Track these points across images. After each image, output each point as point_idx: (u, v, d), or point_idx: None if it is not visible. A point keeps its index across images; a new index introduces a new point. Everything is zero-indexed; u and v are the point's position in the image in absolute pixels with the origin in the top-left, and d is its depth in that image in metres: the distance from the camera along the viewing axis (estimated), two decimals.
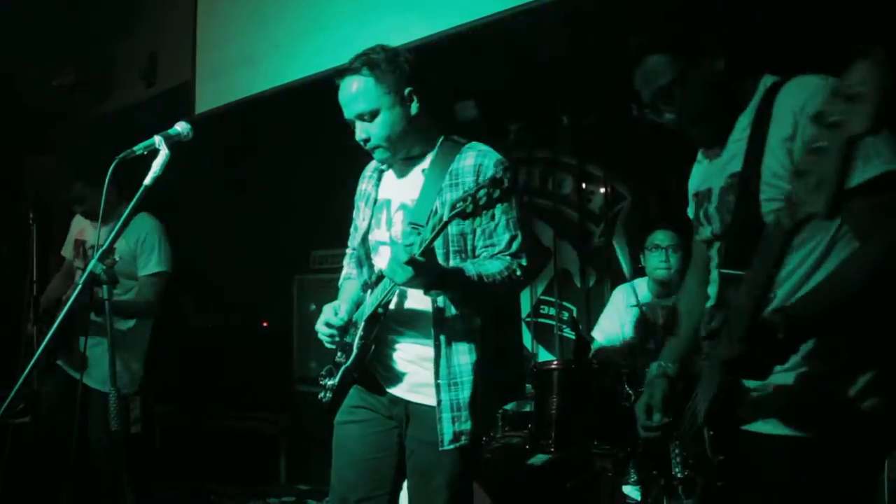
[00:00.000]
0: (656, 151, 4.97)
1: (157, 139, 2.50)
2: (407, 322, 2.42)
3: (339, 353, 2.54)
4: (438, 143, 2.46)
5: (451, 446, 2.30)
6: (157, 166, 2.50)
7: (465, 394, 2.31)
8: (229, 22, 5.04)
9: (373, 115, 2.36)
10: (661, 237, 4.00)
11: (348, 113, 2.40)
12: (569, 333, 5.42)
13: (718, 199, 1.90)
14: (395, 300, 2.41)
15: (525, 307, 5.69)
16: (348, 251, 2.76)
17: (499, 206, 2.07)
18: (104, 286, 2.49)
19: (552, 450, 3.28)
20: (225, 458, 5.33)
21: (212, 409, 5.36)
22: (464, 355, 2.33)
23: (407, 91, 2.38)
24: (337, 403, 2.54)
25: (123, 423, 3.68)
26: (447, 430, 2.30)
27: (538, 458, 3.47)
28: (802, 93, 1.71)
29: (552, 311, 5.56)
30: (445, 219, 2.01)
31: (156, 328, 4.09)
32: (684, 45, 1.85)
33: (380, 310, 2.37)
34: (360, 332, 2.41)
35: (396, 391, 2.43)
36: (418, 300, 2.36)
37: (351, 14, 4.24)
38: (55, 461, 3.69)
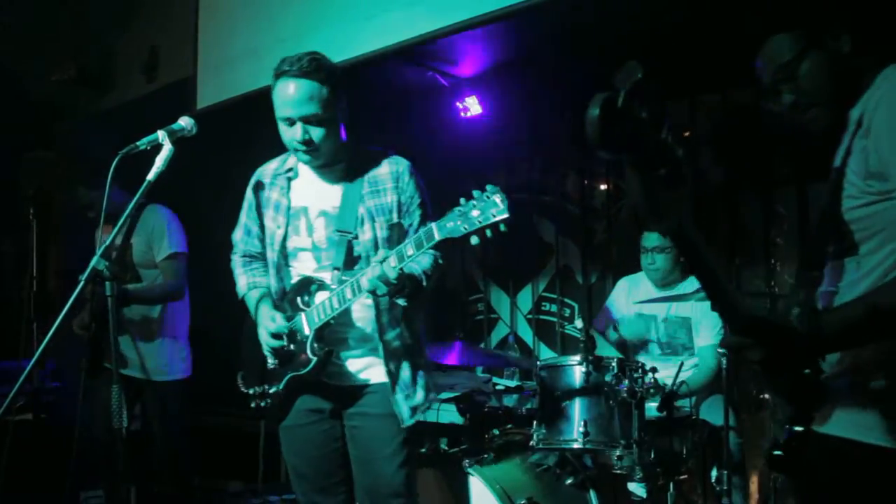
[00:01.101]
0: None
1: (161, 134, 2.51)
2: (353, 323, 2.63)
3: (270, 362, 2.68)
4: (354, 153, 2.64)
5: (411, 421, 2.59)
6: (160, 161, 2.50)
7: (408, 373, 2.62)
8: (232, 16, 5.01)
9: (320, 121, 2.49)
10: (648, 239, 4.07)
11: (294, 113, 2.48)
12: (571, 330, 5.41)
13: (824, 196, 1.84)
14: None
15: (527, 304, 5.69)
16: (237, 258, 2.89)
17: (416, 203, 2.57)
18: (107, 283, 2.49)
19: (556, 447, 3.27)
20: (224, 456, 5.33)
21: (211, 407, 5.36)
22: (400, 342, 2.62)
23: (344, 103, 2.56)
24: (279, 410, 2.71)
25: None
26: (404, 408, 2.59)
27: (542, 456, 3.45)
28: (885, 84, 1.63)
29: (554, 308, 5.56)
30: (437, 238, 2.20)
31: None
32: (808, 23, 1.76)
33: (332, 321, 2.54)
34: (311, 340, 2.56)
35: (344, 382, 2.65)
36: (361, 302, 2.55)
37: (357, 8, 4.21)
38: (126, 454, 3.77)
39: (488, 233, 2.15)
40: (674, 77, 4.67)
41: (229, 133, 4.55)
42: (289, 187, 2.70)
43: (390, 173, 2.60)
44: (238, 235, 2.88)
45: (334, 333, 2.60)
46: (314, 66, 2.46)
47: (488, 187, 2.18)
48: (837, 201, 1.64)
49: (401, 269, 2.30)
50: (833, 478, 1.68)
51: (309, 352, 2.55)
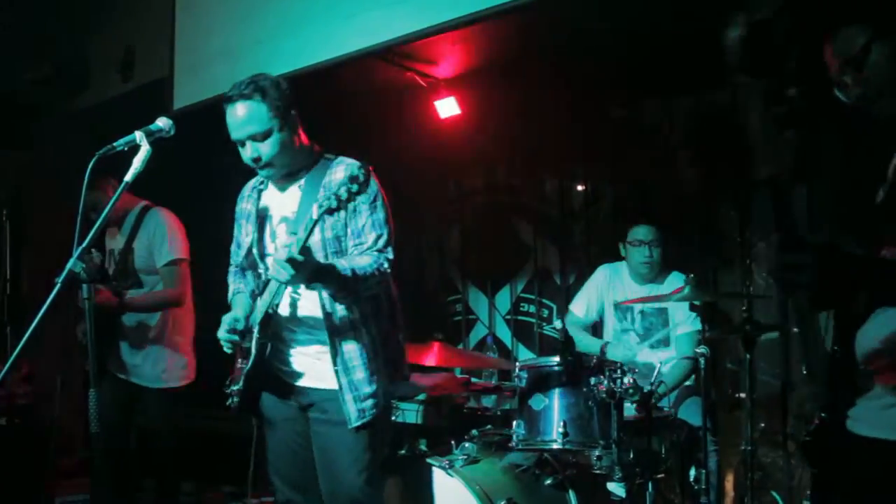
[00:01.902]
0: (636, 147, 4.99)
1: (138, 135, 2.49)
2: (301, 322, 2.76)
3: (239, 360, 2.81)
4: (313, 159, 2.80)
5: (359, 422, 2.65)
6: (138, 162, 2.48)
7: (358, 376, 2.67)
8: (209, 16, 4.98)
9: (265, 136, 2.65)
10: (642, 232, 4.09)
11: (240, 134, 2.67)
12: (549, 331, 5.42)
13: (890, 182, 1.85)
14: (288, 303, 2.74)
15: (505, 305, 5.70)
16: (232, 268, 3.07)
17: (364, 206, 2.66)
18: (84, 286, 2.46)
19: (535, 447, 3.28)
20: (207, 459, 5.28)
21: (208, 412, 5.32)
22: (350, 343, 2.69)
23: (292, 113, 2.71)
24: (244, 406, 2.83)
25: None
26: (351, 409, 2.65)
27: (521, 456, 3.46)
28: None
29: (532, 309, 5.57)
30: (315, 217, 2.39)
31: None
32: (878, 12, 1.78)
33: (270, 311, 2.70)
34: (255, 334, 2.72)
35: (301, 383, 2.78)
36: (309, 301, 2.71)
37: (335, 9, 4.20)
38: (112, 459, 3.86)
39: (352, 205, 2.53)
40: (648, 79, 4.70)
41: (208, 133, 4.52)
42: (259, 197, 2.90)
43: (344, 177, 2.65)
44: (232, 248, 3.07)
45: (281, 329, 2.76)
46: (251, 88, 2.63)
47: (358, 163, 2.51)
48: None
49: (303, 255, 2.40)
50: (873, 480, 1.69)
51: (252, 344, 2.72)
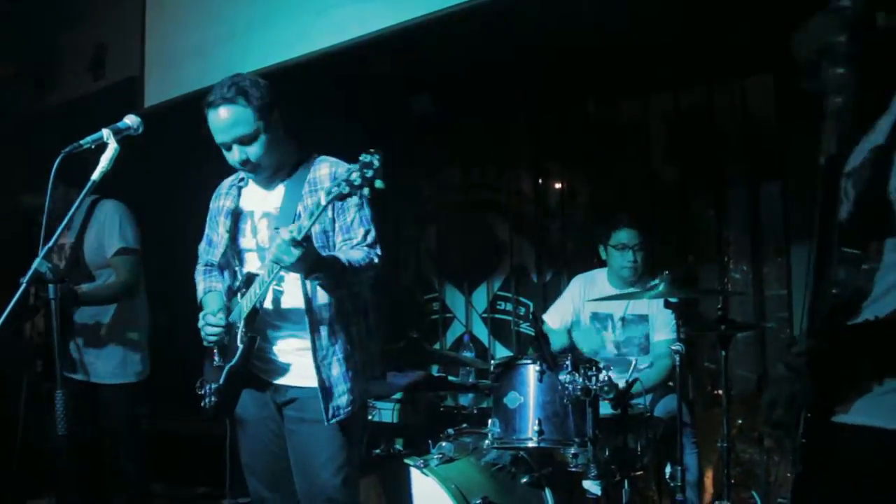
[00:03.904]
0: (612, 146, 5.00)
1: (106, 132, 2.46)
2: (283, 318, 2.74)
3: (216, 360, 2.80)
4: (296, 157, 2.79)
5: (334, 420, 2.64)
6: (105, 161, 2.46)
7: (335, 372, 2.67)
8: (179, 13, 4.94)
9: (252, 139, 2.63)
10: (626, 236, 4.04)
11: (226, 138, 2.64)
12: (526, 329, 5.42)
13: (855, 175, 1.76)
14: (270, 299, 2.72)
15: (482, 303, 5.69)
16: (201, 266, 3.04)
17: (352, 202, 2.63)
18: (50, 286, 2.42)
19: (511, 446, 3.27)
20: (183, 461, 5.24)
21: (175, 411, 5.27)
22: (329, 339, 2.68)
23: (275, 113, 2.69)
24: (223, 405, 2.81)
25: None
26: (326, 406, 2.64)
27: (497, 455, 3.45)
28: None
29: (509, 307, 5.56)
30: (324, 202, 2.33)
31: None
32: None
33: (258, 305, 2.67)
34: (241, 329, 2.68)
35: (280, 380, 2.76)
36: (292, 297, 2.70)
37: (306, 4, 4.17)
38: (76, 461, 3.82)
39: (366, 191, 2.31)
40: (626, 76, 4.70)
41: (178, 131, 4.48)
42: (239, 195, 2.88)
43: (329, 174, 2.71)
44: (201, 246, 3.05)
45: (265, 325, 2.73)
46: (234, 91, 2.61)
47: (369, 150, 2.32)
48: (883, 179, 1.60)
49: (306, 242, 2.38)
50: (859, 469, 1.65)
51: (237, 340, 2.68)
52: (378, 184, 2.29)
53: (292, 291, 2.70)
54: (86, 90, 5.65)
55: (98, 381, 3.83)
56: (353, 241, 2.69)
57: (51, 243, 2.42)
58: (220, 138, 2.66)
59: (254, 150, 2.64)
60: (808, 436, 1.67)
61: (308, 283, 2.66)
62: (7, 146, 5.92)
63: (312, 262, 2.46)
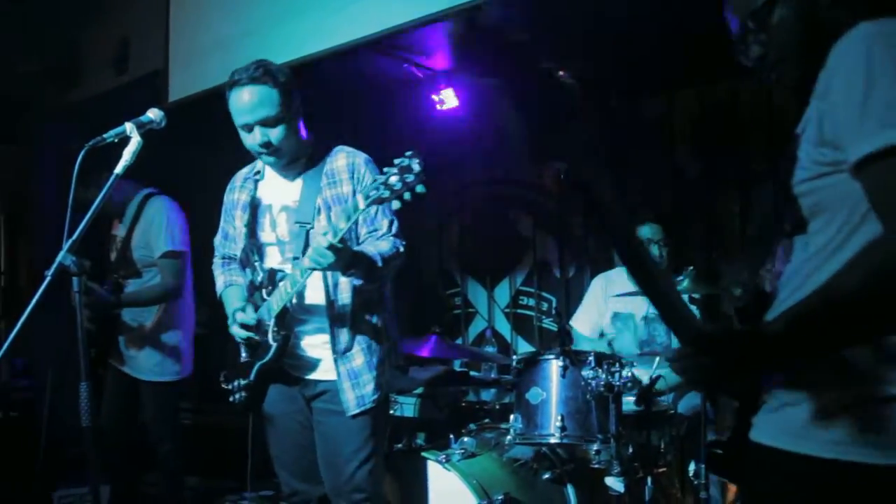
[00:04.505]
0: (637, 140, 4.96)
1: (129, 126, 2.47)
2: (309, 312, 2.73)
3: (243, 354, 2.80)
4: (312, 148, 2.77)
5: (356, 411, 2.66)
6: (128, 154, 2.46)
7: (357, 363, 2.68)
8: (202, 7, 4.94)
9: (276, 122, 2.61)
10: (650, 231, 4.03)
11: (249, 119, 2.60)
12: (548, 324, 5.40)
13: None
14: (297, 294, 2.70)
15: (504, 298, 5.67)
16: (218, 259, 3.04)
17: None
18: (74, 279, 2.43)
19: (533, 441, 3.26)
20: (206, 453, 5.27)
21: (192, 404, 5.30)
22: (351, 331, 2.69)
23: (297, 101, 2.68)
24: (252, 400, 2.82)
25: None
26: (349, 397, 2.66)
27: (519, 451, 3.44)
28: (849, 41, 1.35)
29: (531, 302, 5.55)
30: (363, 206, 2.32)
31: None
32: None
33: (288, 304, 2.67)
34: (272, 328, 2.67)
35: (307, 375, 2.76)
36: (315, 292, 2.70)
37: None
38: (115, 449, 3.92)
39: (407, 196, 2.28)
40: (650, 72, 4.66)
41: (202, 125, 4.50)
42: (255, 188, 2.87)
43: (347, 165, 2.71)
44: (217, 239, 3.04)
45: (293, 321, 2.72)
46: (261, 72, 2.59)
47: (407, 154, 2.29)
48: (790, 172, 1.45)
49: (342, 243, 2.38)
50: (766, 493, 1.49)
51: (270, 338, 2.67)
52: (420, 188, 2.27)
53: (315, 286, 2.70)
54: (110, 85, 5.68)
55: (139, 378, 3.88)
56: (378, 233, 2.69)
57: (74, 236, 2.42)
58: (243, 119, 2.63)
59: (276, 133, 2.62)
60: (726, 446, 1.58)
61: (329, 276, 2.67)
62: (40, 141, 6.00)
63: (348, 260, 2.47)
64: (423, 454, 3.30)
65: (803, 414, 1.38)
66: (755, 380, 1.50)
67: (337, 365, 2.68)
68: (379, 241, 2.66)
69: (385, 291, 2.84)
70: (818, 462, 1.35)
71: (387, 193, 2.27)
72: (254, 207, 2.84)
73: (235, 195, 2.92)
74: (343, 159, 2.72)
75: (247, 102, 2.59)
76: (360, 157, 2.75)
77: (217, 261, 3.05)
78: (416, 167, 2.26)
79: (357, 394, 2.67)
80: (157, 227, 3.85)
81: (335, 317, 2.69)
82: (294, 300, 2.71)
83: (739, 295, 1.60)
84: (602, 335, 4.20)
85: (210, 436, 5.28)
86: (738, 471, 1.58)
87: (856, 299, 1.24)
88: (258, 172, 2.88)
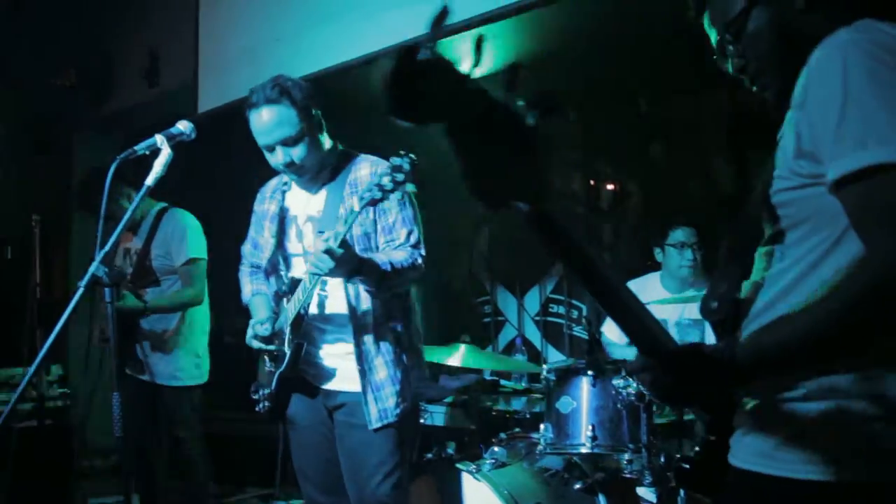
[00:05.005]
0: (665, 146, 4.93)
1: (159, 138, 2.50)
2: (329, 321, 2.71)
3: (267, 364, 2.80)
4: (336, 158, 2.75)
5: (379, 423, 2.61)
6: (159, 166, 2.49)
7: (380, 375, 2.63)
8: (230, 18, 4.99)
9: (296, 140, 2.59)
10: (683, 234, 3.98)
11: (270, 140, 2.59)
12: (579, 332, 5.37)
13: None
14: (315, 303, 2.69)
15: (534, 306, 5.65)
16: (246, 268, 3.03)
17: (393, 203, 2.51)
18: (106, 289, 2.47)
19: (564, 451, 3.23)
20: (234, 462, 5.30)
21: (221, 413, 5.33)
22: (374, 342, 2.64)
23: (317, 113, 2.65)
24: (276, 410, 2.80)
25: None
26: (371, 410, 2.61)
27: (550, 461, 3.41)
28: (826, 50, 1.30)
29: (562, 310, 5.52)
30: (358, 209, 2.30)
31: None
32: None
33: (302, 311, 2.64)
34: (288, 336, 2.66)
35: (328, 385, 2.72)
36: (337, 301, 2.67)
37: (356, 7, 4.17)
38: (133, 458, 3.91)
39: (399, 195, 2.30)
40: (678, 73, 4.62)
41: (231, 136, 4.53)
42: (283, 198, 2.85)
43: (371, 174, 2.64)
44: (246, 248, 3.04)
45: (312, 329, 2.70)
46: (278, 92, 2.56)
47: (399, 153, 2.30)
48: (769, 182, 1.42)
49: (343, 248, 2.34)
50: None
51: (286, 346, 2.67)
52: (410, 187, 2.28)
53: (336, 295, 2.67)
54: (142, 98, 5.76)
55: (161, 383, 3.92)
56: (395, 242, 2.65)
57: (107, 247, 2.45)
58: (263, 140, 2.62)
59: (298, 152, 2.60)
60: (697, 463, 1.54)
61: (351, 286, 2.64)
62: (73, 153, 6.09)
63: (352, 267, 2.43)
64: (456, 464, 3.29)
65: (775, 435, 1.35)
66: (726, 397, 1.47)
67: (360, 376, 2.63)
68: (395, 251, 2.62)
69: (410, 300, 2.80)
70: (791, 483, 1.31)
71: (379, 194, 2.26)
72: (282, 218, 2.82)
73: (265, 205, 2.91)
74: (366, 168, 2.68)
75: (265, 124, 2.58)
76: (384, 166, 2.65)
77: (245, 268, 3.05)
78: (407, 166, 2.26)
79: (380, 407, 2.62)
80: (178, 237, 3.95)
81: (357, 326, 2.65)
82: (315, 309, 2.69)
83: (715, 308, 1.54)
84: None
85: (241, 444, 5.31)
86: (706, 486, 1.55)
87: (842, 322, 1.21)
88: (286, 183, 2.87)
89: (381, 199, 2.28)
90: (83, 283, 2.39)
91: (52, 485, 4.62)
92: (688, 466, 1.55)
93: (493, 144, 1.08)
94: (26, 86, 5.96)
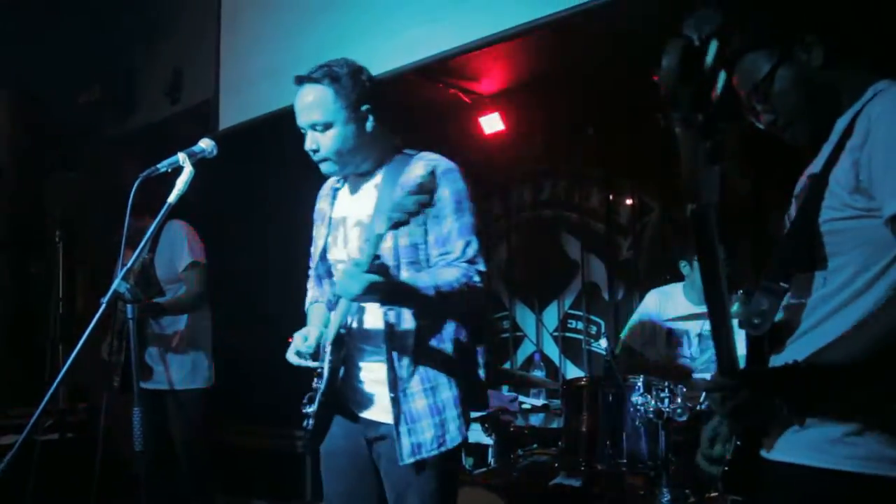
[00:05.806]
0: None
1: (181, 156, 2.50)
2: (367, 340, 2.39)
3: (315, 380, 2.45)
4: (391, 158, 2.44)
5: (411, 460, 2.26)
6: (181, 184, 2.50)
7: (418, 406, 2.29)
8: (253, 36, 5.03)
9: (326, 127, 2.33)
10: None
11: (300, 121, 2.38)
12: (597, 347, 5.35)
13: (794, 202, 1.77)
14: (356, 319, 2.39)
15: (552, 321, 5.64)
16: (312, 273, 2.69)
17: (448, 209, 2.28)
18: (128, 306, 2.49)
19: (582, 468, 3.22)
20: (249, 475, 5.31)
21: (236, 426, 5.35)
22: (409, 364, 2.31)
23: (364, 108, 2.36)
24: (318, 430, 2.45)
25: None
26: (403, 443, 2.27)
27: (567, 477, 3.40)
28: (888, 101, 1.54)
29: (580, 326, 5.51)
30: (382, 233, 2.06)
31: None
32: (778, 38, 1.69)
33: (342, 330, 2.33)
34: (328, 356, 2.34)
35: (366, 414, 2.41)
36: (374, 316, 2.35)
37: (377, 26, 4.20)
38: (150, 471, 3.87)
39: (412, 207, 2.05)
40: None
41: (252, 153, 4.58)
42: (334, 198, 2.58)
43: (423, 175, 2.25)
44: (312, 251, 2.70)
45: (353, 349, 2.40)
46: (322, 72, 2.34)
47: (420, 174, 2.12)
48: (816, 210, 1.59)
49: (375, 272, 2.09)
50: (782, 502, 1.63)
51: (325, 366, 2.36)
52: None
53: (374, 311, 2.34)
54: (165, 114, 5.82)
55: (171, 388, 3.99)
56: (449, 256, 2.30)
57: (129, 265, 2.48)
58: (297, 120, 2.39)
59: (325, 141, 2.34)
60: (735, 464, 1.67)
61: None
62: (96, 169, 6.15)
63: (386, 292, 2.16)
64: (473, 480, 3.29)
65: (827, 432, 1.54)
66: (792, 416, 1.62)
67: (393, 404, 2.29)
68: (445, 269, 2.27)
69: (472, 317, 2.44)
70: (841, 475, 1.50)
71: (403, 217, 2.04)
72: (333, 220, 2.53)
73: (320, 205, 2.63)
74: (421, 168, 2.29)
75: (300, 103, 2.36)
76: (440, 166, 2.33)
77: (311, 272, 2.70)
78: (426, 181, 2.05)
79: (413, 441, 2.27)
80: (179, 245, 4.08)
81: (393, 350, 2.31)
82: (355, 324, 2.40)
83: (758, 324, 1.69)
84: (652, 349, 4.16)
85: (252, 456, 5.32)
86: (748, 487, 1.68)
87: None
88: (340, 180, 2.57)
89: (405, 222, 2.05)
90: (105, 299, 2.40)
91: (74, 497, 4.65)
92: (729, 469, 1.68)
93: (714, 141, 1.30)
94: (51, 101, 6.05)
